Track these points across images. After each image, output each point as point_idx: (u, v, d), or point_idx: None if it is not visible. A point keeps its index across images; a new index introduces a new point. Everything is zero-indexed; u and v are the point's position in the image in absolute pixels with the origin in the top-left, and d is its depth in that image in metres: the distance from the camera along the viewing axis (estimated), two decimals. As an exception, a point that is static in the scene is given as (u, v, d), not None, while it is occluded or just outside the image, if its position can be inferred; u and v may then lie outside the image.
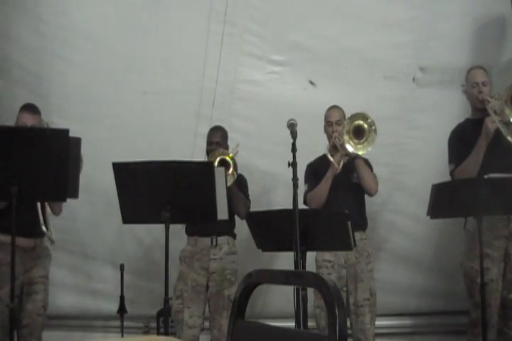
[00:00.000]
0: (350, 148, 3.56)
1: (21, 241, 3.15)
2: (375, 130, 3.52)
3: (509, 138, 3.35)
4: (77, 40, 4.17)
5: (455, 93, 4.19)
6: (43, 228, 3.24)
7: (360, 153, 3.58)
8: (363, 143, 3.56)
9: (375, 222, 4.11)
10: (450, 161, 3.62)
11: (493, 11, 4.28)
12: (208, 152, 3.89)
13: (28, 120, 3.40)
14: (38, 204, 3.26)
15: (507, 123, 3.38)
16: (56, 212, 3.52)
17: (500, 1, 4.23)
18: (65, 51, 4.17)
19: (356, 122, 3.56)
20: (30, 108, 3.48)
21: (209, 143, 3.92)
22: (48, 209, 3.35)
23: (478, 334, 3.31)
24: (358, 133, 3.57)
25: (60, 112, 4.19)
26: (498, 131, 3.40)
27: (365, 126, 3.55)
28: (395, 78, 4.32)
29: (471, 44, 4.29)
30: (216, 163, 3.66)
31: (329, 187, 3.64)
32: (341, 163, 3.61)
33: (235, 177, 3.76)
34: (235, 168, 3.74)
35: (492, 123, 3.39)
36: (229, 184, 3.66)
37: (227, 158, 3.73)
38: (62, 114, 4.17)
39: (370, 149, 3.55)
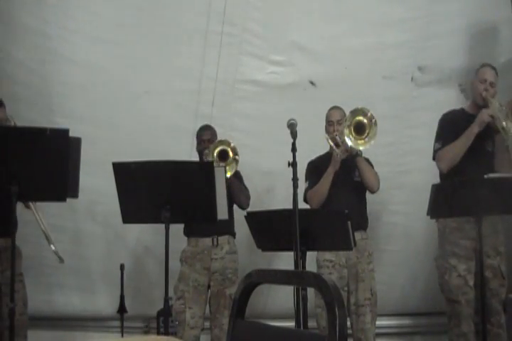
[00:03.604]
0: (349, 142, 3.58)
1: None
2: (376, 122, 3.55)
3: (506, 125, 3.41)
4: (78, 40, 4.17)
5: (453, 92, 4.20)
6: (52, 247, 3.22)
7: (361, 148, 3.60)
8: (365, 138, 3.58)
9: (375, 222, 4.11)
10: (436, 140, 3.66)
11: (490, 12, 4.29)
12: (200, 151, 3.90)
13: None
14: (38, 217, 3.23)
15: (499, 130, 3.46)
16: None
17: (498, 2, 4.24)
18: (67, 51, 4.18)
19: (357, 118, 3.58)
20: None
21: (200, 141, 3.93)
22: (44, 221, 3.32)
23: (454, 326, 3.48)
24: (360, 129, 3.59)
25: (62, 112, 4.19)
26: (483, 135, 3.47)
27: (366, 120, 3.57)
28: (394, 78, 4.33)
29: (469, 44, 4.30)
30: (216, 155, 3.68)
31: (330, 183, 3.65)
32: (341, 158, 3.63)
33: (238, 161, 3.74)
34: (236, 153, 3.74)
35: (488, 115, 3.45)
36: (231, 172, 3.67)
37: (226, 147, 3.74)
38: (63, 114, 4.17)
39: (372, 143, 3.57)
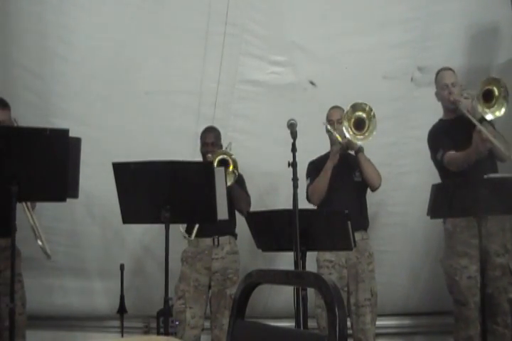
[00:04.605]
0: (347, 135, 3.58)
1: None
2: (374, 115, 3.55)
3: (503, 149, 3.34)
4: (77, 40, 4.16)
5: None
6: (39, 242, 3.20)
7: (360, 143, 3.61)
8: (365, 133, 3.58)
9: (375, 222, 4.11)
10: (436, 151, 3.60)
11: (490, 12, 4.29)
12: (203, 153, 3.90)
13: None
14: (29, 215, 3.23)
15: (480, 121, 3.35)
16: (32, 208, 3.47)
17: (498, 2, 4.24)
18: (66, 51, 4.17)
19: (357, 113, 3.59)
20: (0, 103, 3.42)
21: (204, 144, 3.94)
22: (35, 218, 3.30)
23: (460, 329, 3.43)
24: (359, 126, 3.59)
25: (60, 112, 4.19)
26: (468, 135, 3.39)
27: (365, 115, 3.59)
28: (394, 78, 4.33)
29: (469, 44, 4.30)
30: (216, 163, 3.67)
31: (329, 178, 3.65)
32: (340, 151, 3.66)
33: (236, 175, 3.76)
34: (236, 167, 3.74)
35: (484, 138, 3.30)
36: (230, 183, 3.67)
37: (228, 158, 3.74)
38: (62, 114, 4.17)
39: (374, 133, 3.56)
